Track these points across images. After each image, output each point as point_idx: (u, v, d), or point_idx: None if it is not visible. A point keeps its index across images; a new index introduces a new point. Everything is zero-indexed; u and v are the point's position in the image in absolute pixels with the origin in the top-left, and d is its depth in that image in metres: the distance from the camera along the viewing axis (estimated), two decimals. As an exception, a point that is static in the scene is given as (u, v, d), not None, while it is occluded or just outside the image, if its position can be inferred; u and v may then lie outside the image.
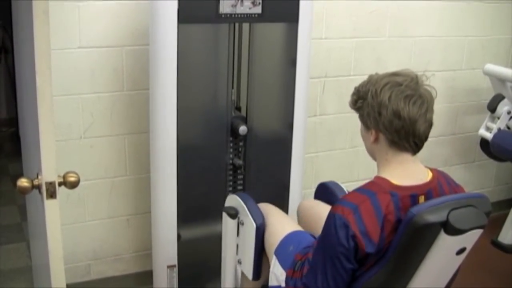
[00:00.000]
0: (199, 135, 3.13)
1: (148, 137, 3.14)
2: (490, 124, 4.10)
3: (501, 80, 3.97)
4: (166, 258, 3.14)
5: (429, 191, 2.13)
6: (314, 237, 2.49)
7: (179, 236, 3.11)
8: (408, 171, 2.14)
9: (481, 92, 4.47)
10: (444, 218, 1.97)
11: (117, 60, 3.29)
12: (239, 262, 2.84)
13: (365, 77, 3.59)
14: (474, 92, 4.49)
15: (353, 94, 2.21)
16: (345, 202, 2.08)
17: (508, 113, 3.97)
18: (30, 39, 1.92)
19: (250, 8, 2.90)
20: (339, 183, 2.96)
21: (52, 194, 1.93)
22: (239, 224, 2.77)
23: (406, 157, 2.14)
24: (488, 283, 3.80)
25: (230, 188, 3.21)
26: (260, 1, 2.91)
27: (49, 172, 1.93)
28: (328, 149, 4.05)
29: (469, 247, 2.12)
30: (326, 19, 3.75)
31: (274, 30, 3.13)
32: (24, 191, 2.02)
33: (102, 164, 3.43)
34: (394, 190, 2.07)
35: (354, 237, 2.01)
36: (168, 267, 3.15)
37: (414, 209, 1.98)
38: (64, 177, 2.00)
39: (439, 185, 2.18)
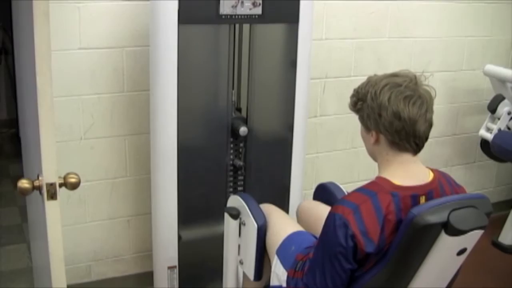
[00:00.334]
0: (200, 136, 3.13)
1: (148, 138, 3.14)
2: (490, 125, 4.10)
3: (501, 81, 3.97)
4: (167, 259, 3.14)
5: (430, 191, 2.13)
6: (316, 237, 2.49)
7: (179, 237, 3.11)
8: (409, 172, 2.14)
9: (481, 93, 4.47)
10: (445, 219, 1.97)
11: (117, 61, 3.29)
12: (241, 262, 2.84)
13: (365, 78, 3.60)
14: (474, 92, 4.49)
15: (353, 96, 2.21)
16: (346, 202, 2.08)
17: (509, 113, 3.97)
18: (30, 40, 1.92)
19: (250, 9, 2.90)
20: (338, 184, 2.96)
21: (52, 195, 1.93)
22: (241, 224, 2.77)
23: (407, 157, 2.14)
24: (488, 283, 3.80)
25: (231, 189, 3.21)
26: (261, 2, 2.91)
27: (49, 173, 1.93)
28: (329, 150, 4.05)
29: (469, 248, 2.12)
30: (326, 20, 3.75)
31: (275, 31, 3.13)
32: (24, 192, 2.02)
33: (102, 165, 3.43)
34: (395, 190, 2.07)
35: (353, 237, 2.01)
36: (169, 268, 3.15)
37: (415, 210, 1.98)
38: (64, 178, 2.00)
39: (440, 185, 2.18)
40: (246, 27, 3.02)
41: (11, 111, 6.46)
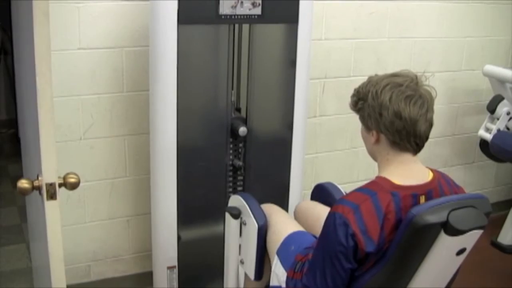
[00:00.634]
0: (199, 136, 3.13)
1: (148, 138, 3.14)
2: (489, 125, 4.10)
3: (500, 81, 3.97)
4: (166, 259, 3.14)
5: (429, 191, 2.13)
6: (316, 237, 2.49)
7: (179, 237, 3.11)
8: (409, 171, 2.15)
9: (480, 93, 4.48)
10: (444, 219, 1.98)
11: (117, 61, 3.29)
12: (242, 262, 2.84)
13: (365, 78, 3.60)
14: (473, 93, 4.50)
15: (353, 95, 2.22)
16: (346, 202, 2.09)
17: (508, 114, 3.98)
18: (30, 40, 1.92)
19: (250, 9, 2.91)
20: (336, 184, 2.96)
21: (52, 195, 1.93)
22: (242, 224, 2.78)
23: (407, 157, 2.15)
24: (487, 283, 3.80)
25: (230, 189, 3.21)
26: (260, 2, 2.91)
27: (49, 173, 1.93)
28: (328, 150, 4.05)
29: (469, 248, 2.12)
30: (325, 20, 3.75)
31: (274, 31, 3.13)
32: (24, 192, 2.02)
33: (102, 165, 3.43)
34: (395, 190, 2.08)
35: (353, 236, 2.01)
36: (168, 268, 3.16)
37: (414, 210, 1.98)
38: (64, 178, 2.00)
39: (440, 185, 2.18)
40: (245, 27, 3.02)
41: (10, 111, 6.46)
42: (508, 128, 4.03)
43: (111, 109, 3.35)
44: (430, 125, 2.14)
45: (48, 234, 1.97)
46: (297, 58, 3.09)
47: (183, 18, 2.79)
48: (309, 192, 3.06)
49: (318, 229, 2.25)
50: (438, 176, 2.21)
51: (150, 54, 2.96)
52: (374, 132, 2.14)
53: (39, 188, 2.00)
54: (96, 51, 3.24)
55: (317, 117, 3.90)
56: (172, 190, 3.01)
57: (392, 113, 2.06)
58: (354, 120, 3.97)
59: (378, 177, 2.15)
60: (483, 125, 4.14)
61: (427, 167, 2.22)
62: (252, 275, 2.75)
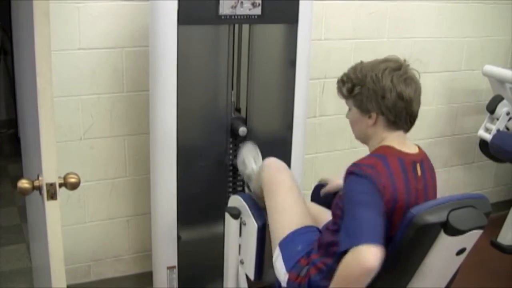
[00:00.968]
0: (199, 136, 3.14)
1: (148, 138, 3.15)
2: (489, 125, 4.10)
3: (500, 81, 3.97)
4: (166, 259, 3.15)
5: (422, 160, 2.27)
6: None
7: (179, 237, 3.11)
8: (404, 144, 2.27)
9: (480, 93, 4.48)
10: (444, 219, 1.99)
11: (117, 61, 3.29)
12: (241, 262, 2.84)
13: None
14: (473, 93, 4.50)
15: (346, 82, 2.32)
16: (361, 164, 2.18)
17: (507, 114, 3.97)
18: (30, 40, 1.92)
19: (250, 9, 2.91)
20: None
21: (52, 195, 1.93)
22: (242, 224, 2.78)
23: (401, 133, 2.27)
24: (487, 283, 3.80)
25: (230, 189, 3.21)
26: (260, 3, 2.92)
27: (49, 173, 1.93)
28: (328, 150, 4.05)
29: (469, 248, 2.13)
30: (325, 20, 3.75)
31: (274, 31, 3.14)
32: (24, 192, 2.02)
33: (102, 165, 3.43)
34: (400, 155, 2.21)
35: (377, 186, 2.08)
36: (168, 268, 3.16)
37: (414, 210, 2.00)
38: (64, 178, 2.00)
39: (426, 157, 2.32)
40: (245, 27, 3.03)
41: (10, 112, 6.46)
42: (507, 128, 4.03)
43: (111, 109, 3.35)
44: (420, 104, 2.28)
45: (49, 234, 1.97)
46: (297, 58, 3.10)
47: (183, 18, 2.80)
48: (309, 192, 3.06)
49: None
50: (422, 150, 2.34)
51: (150, 54, 2.96)
52: (374, 114, 2.23)
53: (39, 188, 2.00)
54: (96, 51, 3.24)
55: (317, 117, 3.90)
56: (172, 190, 3.02)
57: (395, 95, 2.18)
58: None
59: (383, 146, 2.25)
60: (482, 125, 4.14)
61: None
62: (251, 275, 2.75)
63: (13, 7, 3.58)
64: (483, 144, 4.20)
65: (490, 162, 4.45)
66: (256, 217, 2.66)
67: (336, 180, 2.79)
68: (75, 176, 2.02)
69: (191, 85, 2.97)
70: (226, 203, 2.92)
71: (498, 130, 3.99)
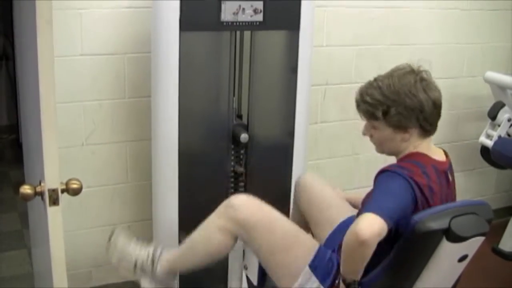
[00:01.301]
0: (201, 142, 3.14)
1: (149, 144, 3.15)
2: (490, 132, 4.10)
3: (501, 88, 3.98)
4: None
5: (450, 166, 2.33)
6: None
7: (180, 243, 3.10)
8: (434, 150, 2.31)
9: (481, 100, 4.47)
10: (446, 225, 1.99)
11: (119, 67, 3.30)
12: (245, 267, 2.84)
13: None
14: (474, 99, 4.50)
15: (376, 105, 2.26)
16: (395, 165, 2.23)
17: (509, 120, 3.98)
18: (33, 47, 1.93)
19: (251, 16, 2.91)
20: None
21: (55, 201, 1.94)
22: None
23: (429, 139, 2.31)
24: (488, 290, 3.80)
25: (231, 195, 3.21)
26: (262, 9, 2.92)
27: (52, 179, 1.93)
28: (329, 157, 4.05)
29: (471, 254, 2.13)
30: (327, 27, 3.76)
31: (276, 38, 3.14)
32: (26, 198, 2.02)
33: (103, 171, 3.44)
34: (434, 164, 2.23)
35: (409, 182, 2.10)
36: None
37: (417, 216, 2.00)
38: (66, 184, 2.00)
39: (451, 163, 2.37)
40: (247, 34, 3.03)
41: (12, 117, 6.46)
42: (509, 135, 4.03)
43: (113, 115, 3.35)
44: None
45: (51, 239, 1.98)
46: (298, 64, 3.09)
47: (185, 25, 2.80)
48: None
49: (324, 215, 2.52)
50: (448, 155, 2.39)
51: (152, 61, 2.97)
52: (410, 130, 2.23)
53: (41, 194, 2.00)
54: (98, 57, 3.25)
55: (318, 124, 3.90)
56: (173, 196, 3.02)
57: (431, 105, 2.21)
58: (355, 127, 3.98)
59: (417, 153, 2.25)
60: (484, 132, 4.14)
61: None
62: (255, 280, 2.75)
63: (16, 13, 3.59)
64: (485, 151, 4.20)
65: (491, 168, 4.45)
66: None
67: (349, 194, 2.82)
68: (77, 182, 2.02)
69: (192, 91, 2.97)
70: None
71: (499, 137, 3.99)
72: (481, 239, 2.06)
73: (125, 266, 2.77)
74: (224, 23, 2.88)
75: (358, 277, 2.05)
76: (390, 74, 2.29)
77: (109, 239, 2.83)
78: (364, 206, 2.11)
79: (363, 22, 3.88)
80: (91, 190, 3.39)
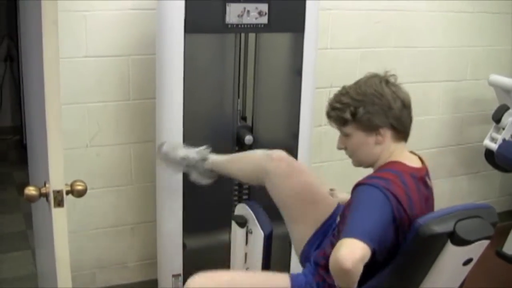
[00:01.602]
0: (205, 144, 3.13)
1: (153, 146, 3.15)
2: (495, 135, 4.09)
3: (506, 91, 3.97)
4: (171, 267, 3.15)
5: (427, 172, 2.28)
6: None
7: (184, 245, 3.11)
8: (409, 156, 2.28)
9: (486, 103, 4.46)
10: (451, 229, 1.98)
11: (123, 69, 3.30)
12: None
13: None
14: (479, 102, 4.49)
15: (344, 107, 2.28)
16: (373, 176, 2.19)
17: (513, 123, 3.97)
18: (38, 48, 1.93)
19: (256, 18, 2.92)
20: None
21: (59, 203, 1.94)
22: (248, 233, 2.77)
23: (403, 144, 2.28)
24: (492, 294, 3.80)
25: (236, 198, 3.21)
26: (267, 11, 2.92)
27: (56, 181, 1.93)
28: (333, 159, 4.04)
29: (475, 258, 2.12)
30: (331, 29, 3.76)
31: (280, 40, 3.15)
32: (31, 199, 2.02)
33: (107, 172, 3.44)
34: (412, 172, 2.19)
35: (387, 196, 2.05)
36: (173, 276, 3.16)
37: (421, 219, 1.99)
38: (71, 185, 2.00)
39: (427, 168, 2.32)
40: (252, 36, 3.04)
41: (16, 118, 6.47)
42: (513, 138, 4.03)
43: (117, 116, 3.36)
44: None
45: (55, 241, 1.98)
46: (303, 67, 3.10)
47: (189, 27, 2.80)
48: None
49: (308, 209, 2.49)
50: (424, 161, 2.34)
51: (156, 63, 2.97)
52: (382, 131, 2.21)
53: (46, 195, 2.00)
54: (102, 59, 3.25)
55: (322, 126, 3.88)
56: (177, 198, 3.02)
57: (400, 103, 2.20)
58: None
59: (393, 162, 2.23)
60: (488, 135, 4.13)
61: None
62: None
63: (21, 14, 3.58)
64: (489, 154, 4.19)
65: (495, 172, 4.44)
66: (262, 225, 2.66)
67: (342, 194, 2.75)
68: (82, 184, 2.03)
69: (197, 93, 2.98)
70: (232, 211, 2.92)
71: (504, 140, 3.98)
72: (486, 242, 2.06)
73: (174, 160, 2.92)
74: (229, 26, 2.89)
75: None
76: (357, 81, 2.31)
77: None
78: (343, 227, 2.03)
79: (367, 24, 3.88)
80: (95, 191, 3.39)
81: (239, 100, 3.09)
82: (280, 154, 2.65)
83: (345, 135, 2.33)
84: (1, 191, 5.27)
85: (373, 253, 1.90)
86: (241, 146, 3.10)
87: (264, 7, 2.92)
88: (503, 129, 4.01)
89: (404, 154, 2.27)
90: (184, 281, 3.09)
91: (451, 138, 4.48)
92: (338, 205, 2.56)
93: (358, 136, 2.27)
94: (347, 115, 2.26)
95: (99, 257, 3.57)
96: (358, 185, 2.14)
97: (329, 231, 2.50)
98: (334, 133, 3.93)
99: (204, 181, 2.90)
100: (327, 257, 2.04)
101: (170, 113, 2.93)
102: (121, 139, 3.41)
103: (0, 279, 3.86)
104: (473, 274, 2.30)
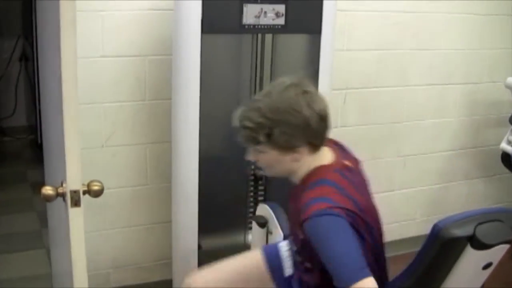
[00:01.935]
0: (221, 145, 3.14)
1: (169, 147, 3.15)
2: (511, 138, 4.07)
3: (523, 94, 3.96)
4: (186, 268, 3.14)
5: (342, 154, 2.24)
6: None
7: (199, 246, 3.10)
8: (327, 154, 2.18)
9: (502, 106, 4.44)
10: (471, 233, 1.97)
11: (139, 69, 3.30)
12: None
13: (386, 89, 3.59)
14: (495, 105, 4.47)
15: (258, 128, 2.08)
16: (316, 199, 2.00)
17: (530, 127, 3.95)
18: (56, 47, 1.93)
19: (273, 19, 2.91)
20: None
21: (76, 203, 1.94)
22: (268, 233, 2.77)
23: (320, 150, 2.15)
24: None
25: (251, 199, 3.21)
26: (284, 13, 2.91)
27: (74, 181, 1.94)
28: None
29: (495, 262, 2.11)
30: (348, 31, 3.74)
31: (297, 42, 3.14)
32: (48, 198, 2.03)
33: (123, 172, 3.44)
34: (335, 167, 2.11)
35: (343, 216, 1.96)
36: (188, 276, 3.15)
37: (441, 223, 1.98)
38: (88, 185, 2.01)
39: (342, 147, 2.32)
40: (268, 37, 3.03)
41: (30, 117, 6.49)
42: (530, 141, 4.01)
43: (133, 117, 3.36)
44: None
45: (72, 241, 1.98)
46: (319, 68, 3.08)
47: (206, 28, 2.80)
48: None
49: None
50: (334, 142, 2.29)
51: (173, 63, 2.97)
52: (300, 149, 2.08)
53: (63, 195, 2.00)
54: (119, 59, 3.25)
55: (338, 128, 3.88)
56: (193, 199, 3.01)
57: (317, 119, 2.04)
58: (375, 131, 3.97)
59: (317, 169, 2.12)
60: (505, 138, 4.11)
61: None
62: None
63: (38, 13, 3.59)
64: (505, 157, 4.17)
65: (511, 175, 4.42)
66: (282, 226, 2.65)
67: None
68: (99, 184, 2.03)
69: (213, 94, 2.97)
70: (247, 213, 2.92)
71: (520, 143, 3.96)
72: (506, 246, 2.05)
73: None
74: (246, 26, 2.88)
75: None
76: (269, 91, 2.11)
77: None
78: (336, 276, 1.94)
79: (384, 26, 3.87)
80: (111, 191, 3.39)
81: (255, 101, 3.08)
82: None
83: (258, 151, 2.16)
84: (15, 190, 5.29)
85: None
86: (257, 147, 3.09)
87: (281, 8, 2.91)
88: (520, 132, 3.99)
89: (322, 155, 2.15)
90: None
91: (467, 141, 4.46)
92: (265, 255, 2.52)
93: (273, 154, 2.12)
94: (261, 137, 2.08)
95: (114, 257, 3.57)
96: (307, 219, 1.96)
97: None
98: (349, 134, 3.95)
99: None
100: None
101: (186, 113, 2.92)
102: (137, 139, 3.41)
103: (14, 278, 3.87)
104: (489, 278, 2.29)
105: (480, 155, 4.56)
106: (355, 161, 2.31)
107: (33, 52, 5.89)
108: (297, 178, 2.19)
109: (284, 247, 2.51)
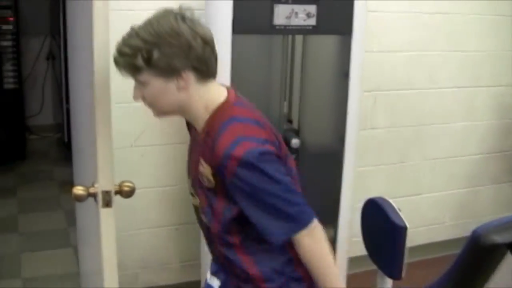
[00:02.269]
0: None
1: (198, 147, 3.14)
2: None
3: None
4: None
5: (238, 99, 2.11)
6: None
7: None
8: (225, 91, 2.09)
9: (532, 109, 4.40)
10: (511, 239, 1.92)
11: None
12: None
13: (416, 92, 3.55)
14: (525, 108, 4.43)
15: (135, 53, 1.95)
16: (239, 139, 1.92)
17: (561, 130, 3.91)
18: (87, 46, 1.93)
19: (304, 20, 2.89)
20: (388, 199, 2.90)
21: (107, 203, 1.95)
22: None
23: (214, 82, 2.05)
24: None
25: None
26: (315, 14, 2.89)
27: (105, 181, 1.94)
28: (377, 163, 4.00)
29: (535, 270, 2.08)
30: (378, 32, 3.72)
31: (328, 43, 3.12)
32: (79, 198, 2.03)
33: (152, 172, 3.45)
34: (233, 100, 2.05)
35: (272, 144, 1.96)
36: (216, 278, 3.14)
37: (480, 229, 1.94)
38: (120, 186, 2.01)
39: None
40: (299, 38, 3.01)
41: (57, 116, 6.52)
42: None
43: (162, 116, 3.35)
44: None
45: (103, 241, 1.98)
46: (350, 70, 3.06)
47: (237, 28, 2.79)
48: (360, 205, 3.02)
49: None
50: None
51: (203, 63, 2.96)
52: (184, 73, 1.94)
53: (94, 195, 2.00)
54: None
55: (367, 130, 3.86)
56: (221, 199, 3.00)
57: (200, 41, 1.92)
58: (404, 134, 3.94)
59: (224, 105, 2.03)
60: (534, 142, 4.07)
61: None
62: None
63: (69, 12, 3.60)
64: (535, 161, 4.13)
65: (540, 180, 4.39)
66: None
67: None
68: (131, 184, 2.04)
69: (243, 95, 2.95)
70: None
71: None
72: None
73: None
74: (277, 27, 2.86)
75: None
76: (148, 20, 1.98)
77: None
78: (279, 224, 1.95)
79: (414, 27, 3.84)
80: (140, 192, 3.34)
81: (285, 103, 3.07)
82: None
83: (141, 84, 2.02)
84: (42, 188, 5.32)
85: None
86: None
87: (312, 8, 2.89)
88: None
89: (221, 92, 2.06)
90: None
91: (495, 145, 4.41)
92: None
93: (156, 84, 1.97)
94: (139, 61, 1.94)
95: (143, 257, 3.58)
96: (239, 165, 1.88)
97: None
98: (379, 137, 3.92)
99: None
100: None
101: (216, 114, 2.91)
102: (166, 139, 3.41)
103: (41, 277, 3.90)
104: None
105: (508, 159, 4.51)
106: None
107: (60, 50, 5.92)
108: (198, 123, 2.09)
109: None
